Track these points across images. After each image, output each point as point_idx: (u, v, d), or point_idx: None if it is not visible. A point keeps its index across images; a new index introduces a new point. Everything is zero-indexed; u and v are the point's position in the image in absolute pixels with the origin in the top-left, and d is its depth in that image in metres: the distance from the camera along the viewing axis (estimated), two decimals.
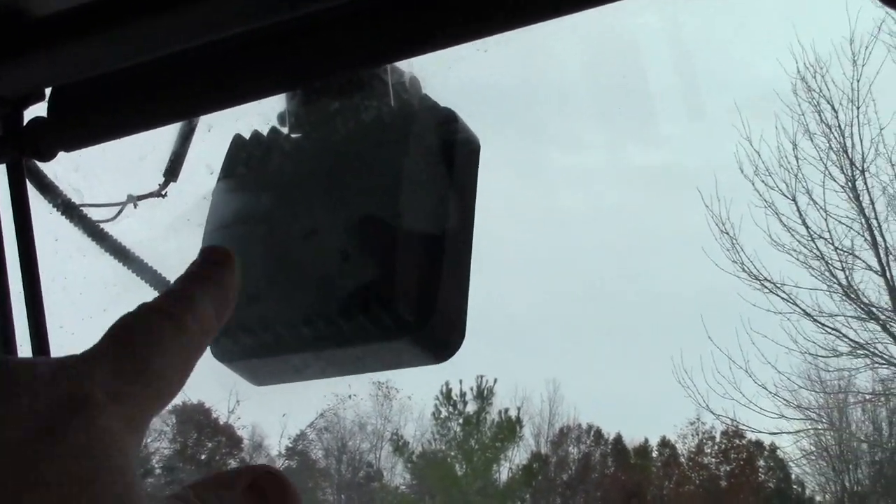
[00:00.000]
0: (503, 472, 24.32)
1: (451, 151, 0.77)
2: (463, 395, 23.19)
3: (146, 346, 0.43)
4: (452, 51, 0.79)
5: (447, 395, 23.15)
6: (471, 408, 23.26)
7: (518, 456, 24.69)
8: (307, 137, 0.83)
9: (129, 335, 0.43)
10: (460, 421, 23.15)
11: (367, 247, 0.73)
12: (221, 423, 21.15)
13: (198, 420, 20.72)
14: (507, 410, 23.60)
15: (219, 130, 0.89)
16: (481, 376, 23.12)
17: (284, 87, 0.83)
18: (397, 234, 0.73)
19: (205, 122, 0.94)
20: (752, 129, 15.90)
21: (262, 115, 0.85)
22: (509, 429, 23.36)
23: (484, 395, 23.20)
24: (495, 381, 23.22)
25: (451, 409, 23.19)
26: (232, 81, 0.83)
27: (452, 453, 22.92)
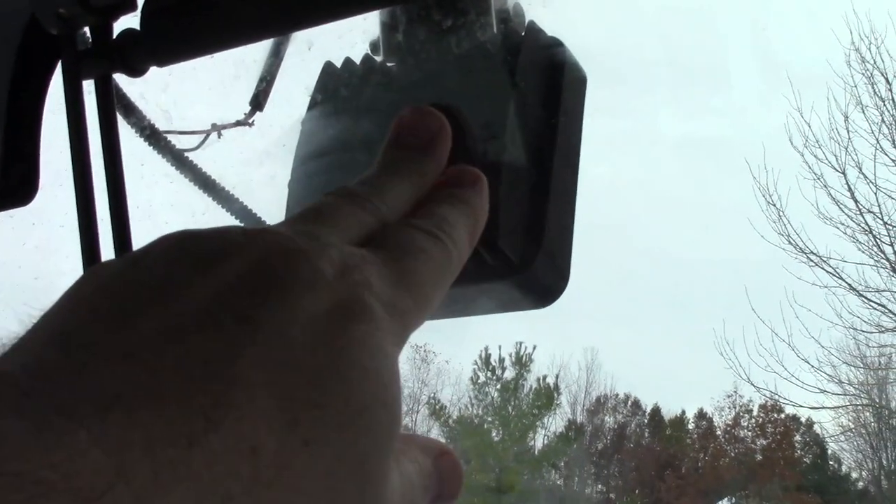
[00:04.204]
0: (539, 440, 24.44)
1: (558, 81, 0.70)
2: (501, 360, 23.24)
3: (416, 260, 0.40)
4: None
5: (486, 360, 23.22)
6: (509, 374, 23.34)
7: (554, 424, 24.81)
8: (403, 66, 0.77)
9: (398, 246, 0.40)
10: (498, 387, 23.24)
11: None
12: None
13: None
14: (545, 378, 23.67)
15: (320, 48, 0.84)
16: (520, 343, 23.19)
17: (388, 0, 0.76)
18: (502, 169, 0.66)
19: (304, 40, 0.88)
20: (802, 100, 15.71)
21: (367, 32, 0.80)
22: (546, 396, 23.42)
23: (522, 362, 23.24)
24: (534, 347, 23.29)
25: (489, 374, 23.28)
26: None
27: (489, 419, 23.03)
